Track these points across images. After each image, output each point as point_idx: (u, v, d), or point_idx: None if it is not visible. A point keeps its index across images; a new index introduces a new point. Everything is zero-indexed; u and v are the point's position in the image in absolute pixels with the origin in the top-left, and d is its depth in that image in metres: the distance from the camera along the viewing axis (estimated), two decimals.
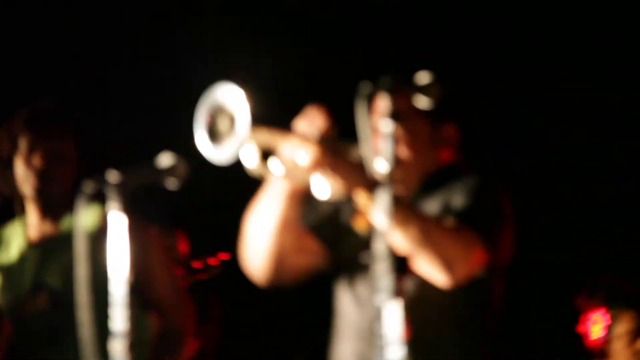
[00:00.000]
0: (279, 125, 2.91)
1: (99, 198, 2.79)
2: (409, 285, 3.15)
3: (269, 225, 3.18)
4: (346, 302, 3.30)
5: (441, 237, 3.04)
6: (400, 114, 3.19)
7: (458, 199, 3.22)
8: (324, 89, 4.10)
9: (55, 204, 3.63)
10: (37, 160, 3.60)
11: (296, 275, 3.32)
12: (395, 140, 3.20)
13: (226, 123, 2.76)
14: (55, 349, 3.50)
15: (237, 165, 2.91)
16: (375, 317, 3.03)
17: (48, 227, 3.66)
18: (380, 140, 2.83)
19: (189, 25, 5.22)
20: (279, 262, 3.24)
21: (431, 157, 3.33)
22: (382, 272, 2.56)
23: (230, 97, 2.74)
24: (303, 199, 3.15)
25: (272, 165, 2.98)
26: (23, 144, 3.62)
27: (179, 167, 2.79)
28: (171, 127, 3.68)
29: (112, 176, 2.75)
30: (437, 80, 2.69)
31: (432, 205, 3.25)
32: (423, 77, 2.71)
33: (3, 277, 3.66)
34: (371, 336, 3.11)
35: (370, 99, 2.71)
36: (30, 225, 3.66)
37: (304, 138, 2.95)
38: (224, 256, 4.76)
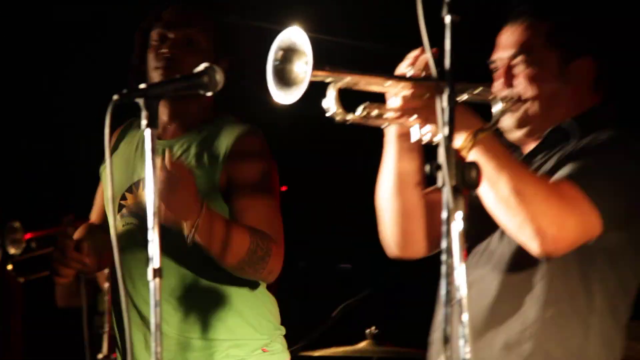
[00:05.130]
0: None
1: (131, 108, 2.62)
2: (497, 248, 2.80)
3: (390, 185, 2.90)
4: None
5: (536, 195, 2.58)
6: (523, 43, 2.85)
7: (580, 152, 2.73)
8: None
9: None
10: (165, 49, 3.55)
11: (426, 242, 2.97)
12: (517, 75, 2.85)
13: (300, 65, 2.54)
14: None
15: None
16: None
17: (175, 127, 3.63)
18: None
19: None
20: (407, 226, 2.93)
21: (561, 99, 2.85)
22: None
23: (301, 39, 2.52)
24: (418, 150, 2.84)
25: (360, 110, 2.68)
26: (153, 36, 3.61)
27: (215, 76, 2.63)
28: None
29: (144, 86, 2.59)
30: None
31: (552, 163, 2.79)
32: None
33: (122, 165, 3.64)
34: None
35: None
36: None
37: (397, 80, 2.63)
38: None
